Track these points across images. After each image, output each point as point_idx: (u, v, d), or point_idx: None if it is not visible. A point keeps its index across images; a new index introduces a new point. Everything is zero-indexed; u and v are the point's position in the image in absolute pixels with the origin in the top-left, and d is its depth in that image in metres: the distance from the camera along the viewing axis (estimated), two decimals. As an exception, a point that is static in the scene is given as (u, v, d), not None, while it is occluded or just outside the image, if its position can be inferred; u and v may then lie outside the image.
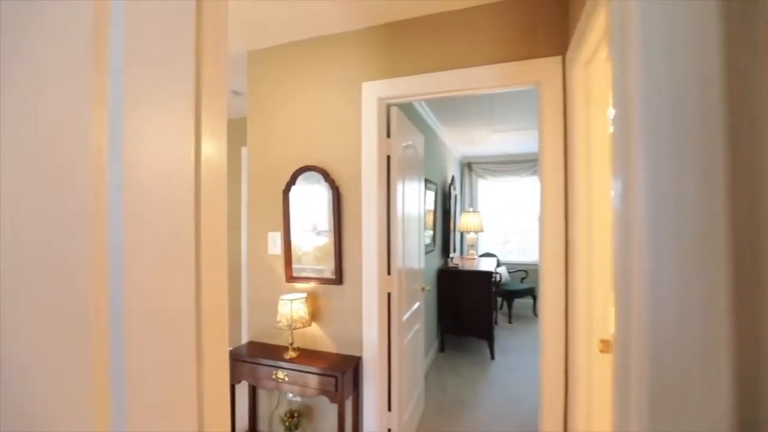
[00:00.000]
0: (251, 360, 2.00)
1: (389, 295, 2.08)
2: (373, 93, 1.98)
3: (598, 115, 1.56)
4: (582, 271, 1.55)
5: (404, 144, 2.26)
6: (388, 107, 2.08)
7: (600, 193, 1.54)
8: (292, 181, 2.12)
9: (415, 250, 2.54)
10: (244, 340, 2.75)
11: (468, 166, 6.30)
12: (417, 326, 2.59)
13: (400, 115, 2.17)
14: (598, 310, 1.55)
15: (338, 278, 2.03)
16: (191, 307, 0.55)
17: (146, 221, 0.50)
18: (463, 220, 4.97)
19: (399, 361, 2.11)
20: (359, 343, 2.00)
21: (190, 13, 0.59)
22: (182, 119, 0.55)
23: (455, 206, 5.18)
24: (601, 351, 1.54)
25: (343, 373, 1.82)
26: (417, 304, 2.59)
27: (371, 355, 1.97)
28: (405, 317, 2.26)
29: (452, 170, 5.31)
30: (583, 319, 1.56)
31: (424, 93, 1.93)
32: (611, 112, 0.67)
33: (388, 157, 2.08)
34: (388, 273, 2.07)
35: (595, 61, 1.53)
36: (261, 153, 2.24)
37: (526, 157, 5.96)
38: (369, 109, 1.99)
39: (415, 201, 2.53)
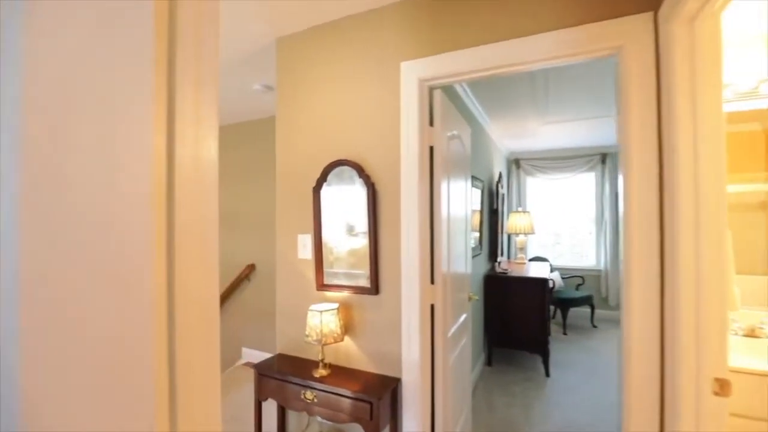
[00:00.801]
0: (278, 377, 1.80)
1: (432, 307, 1.80)
2: (413, 74, 1.72)
3: (709, 90, 1.19)
4: (687, 293, 1.19)
5: (449, 134, 1.98)
6: (431, 90, 1.81)
7: (713, 196, 1.17)
8: (323, 177, 1.90)
9: (461, 255, 2.24)
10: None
11: (515, 163, 5.84)
12: (464, 341, 2.29)
13: (445, 99, 1.89)
14: (710, 341, 1.18)
15: (374, 287, 1.78)
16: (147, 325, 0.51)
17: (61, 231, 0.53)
18: (512, 221, 4.56)
19: (444, 384, 1.82)
20: (398, 362, 1.74)
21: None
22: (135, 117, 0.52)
23: (503, 206, 4.79)
24: (716, 393, 1.18)
25: (379, 399, 1.57)
26: (464, 317, 2.28)
27: (412, 377, 1.71)
28: (450, 332, 1.97)
29: (499, 167, 4.91)
30: (689, 351, 1.19)
31: (473, 71, 1.63)
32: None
33: (431, 149, 1.80)
34: (431, 282, 1.79)
35: (704, 16, 1.17)
36: (290, 148, 2.04)
37: (580, 152, 5.42)
38: (409, 93, 1.72)
39: (461, 198, 2.24)
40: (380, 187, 1.79)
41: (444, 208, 1.86)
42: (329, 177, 1.90)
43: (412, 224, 1.70)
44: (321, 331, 1.70)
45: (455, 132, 2.10)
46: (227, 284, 3.93)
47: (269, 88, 2.85)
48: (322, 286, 1.91)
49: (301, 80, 2.01)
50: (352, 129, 1.86)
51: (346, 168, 1.85)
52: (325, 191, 1.91)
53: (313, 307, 1.77)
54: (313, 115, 1.97)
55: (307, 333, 1.74)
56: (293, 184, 2.02)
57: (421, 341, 1.70)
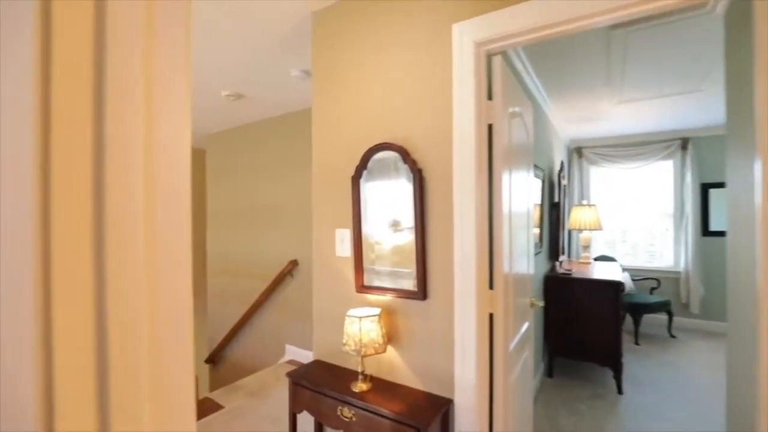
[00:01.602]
0: (314, 388, 1.61)
1: (491, 316, 1.52)
2: (468, 37, 1.43)
3: None
4: None
5: (510, 110, 1.66)
6: (489, 57, 1.51)
7: None
8: (363, 164, 1.67)
9: (523, 254, 1.91)
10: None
11: (577, 152, 5.27)
12: (525, 354, 1.97)
13: (505, 69, 1.58)
14: None
15: (421, 291, 1.53)
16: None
17: None
18: (575, 216, 4.08)
19: (504, 409, 1.53)
20: (450, 380, 1.48)
21: None
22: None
23: (564, 199, 4.30)
24: None
25: (428, 425, 1.32)
26: (526, 326, 1.96)
27: (466, 399, 1.43)
28: (512, 345, 1.67)
29: (560, 155, 4.42)
30: None
31: (540, 27, 1.31)
32: None
33: (489, 127, 1.51)
34: (490, 286, 1.50)
35: None
36: (327, 133, 1.84)
37: (657, 137, 4.75)
38: (463, 61, 1.44)
39: (523, 189, 1.91)
40: (429, 174, 1.52)
41: (506, 198, 1.56)
42: (370, 164, 1.66)
43: (468, 217, 1.42)
44: (360, 340, 1.47)
45: (517, 109, 1.78)
46: (270, 280, 3.87)
47: (308, 73, 2.67)
48: (362, 288, 1.69)
49: (339, 57, 1.80)
50: (395, 108, 1.61)
51: (389, 153, 1.61)
52: (366, 180, 1.68)
53: (351, 312, 1.55)
54: (352, 96, 1.75)
55: (344, 341, 1.53)
56: (330, 172, 1.82)
57: (478, 357, 1.42)
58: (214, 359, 4.61)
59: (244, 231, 4.34)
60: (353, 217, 1.70)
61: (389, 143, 1.59)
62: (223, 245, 4.62)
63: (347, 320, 1.53)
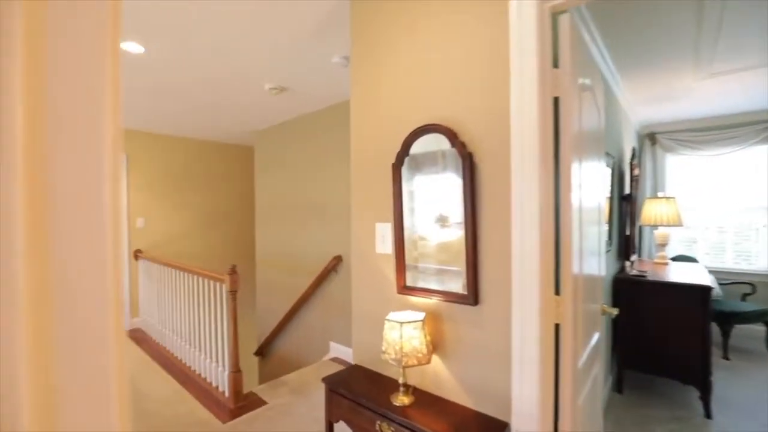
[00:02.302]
0: (351, 397, 1.47)
1: (557, 326, 1.27)
2: (530, -8, 1.19)
3: None
4: None
5: (580, 81, 1.39)
6: (554, 16, 1.26)
7: None
8: (405, 150, 1.49)
9: (593, 254, 1.63)
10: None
11: (650, 138, 4.68)
12: (595, 370, 1.68)
13: (575, 29, 1.32)
14: None
15: (472, 295, 1.32)
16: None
17: None
18: (648, 210, 3.59)
19: (574, 437, 1.28)
20: (505, 399, 1.26)
21: None
22: None
23: (636, 191, 3.81)
24: None
25: (480, 453, 1.12)
26: (596, 337, 1.68)
27: (526, 424, 1.21)
28: (581, 361, 1.41)
29: (630, 142, 3.93)
30: None
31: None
32: None
33: (555, 101, 1.26)
34: (556, 292, 1.26)
35: None
36: (366, 118, 1.68)
37: (752, 117, 4.07)
38: (522, 21, 1.20)
39: (594, 176, 1.62)
40: (481, 158, 1.31)
41: (575, 187, 1.30)
42: (413, 149, 1.48)
43: (529, 209, 1.19)
44: (401, 348, 1.30)
45: (587, 81, 1.50)
46: (315, 276, 3.83)
47: (348, 59, 2.53)
48: (404, 289, 1.51)
49: (379, 33, 1.62)
50: (441, 85, 1.41)
51: (434, 136, 1.41)
52: (408, 168, 1.50)
53: (391, 316, 1.39)
54: (393, 74, 1.57)
55: (383, 349, 1.36)
56: (370, 161, 1.66)
57: (541, 375, 1.19)
58: (262, 352, 4.69)
59: (290, 226, 4.35)
60: (394, 209, 1.53)
61: (434, 124, 1.40)
62: (270, 240, 4.68)
63: (387, 325, 1.36)
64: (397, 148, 1.51)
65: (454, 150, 1.35)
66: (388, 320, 1.36)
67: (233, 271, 2.78)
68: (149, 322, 4.33)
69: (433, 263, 1.44)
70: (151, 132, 4.74)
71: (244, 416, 2.60)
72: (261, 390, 2.99)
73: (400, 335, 1.31)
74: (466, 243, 1.33)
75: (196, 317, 3.33)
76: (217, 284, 2.98)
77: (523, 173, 1.19)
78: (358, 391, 1.47)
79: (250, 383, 5.46)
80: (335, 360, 3.61)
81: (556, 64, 1.26)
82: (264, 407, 2.73)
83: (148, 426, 2.47)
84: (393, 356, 1.33)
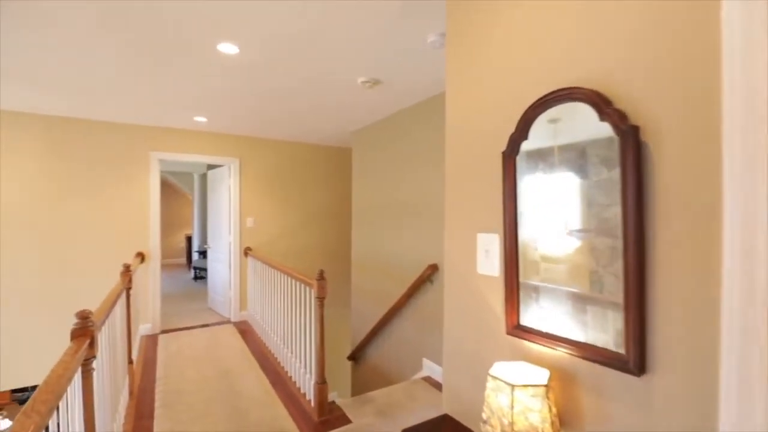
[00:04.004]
0: (438, 468, 1.08)
1: (812, 435, 0.69)
2: None
3: None
4: None
5: None
6: None
7: None
8: (521, 132, 1.05)
9: None
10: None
11: None
12: None
13: None
14: None
15: (635, 356, 0.81)
16: None
17: None
18: None
19: None
20: None
21: None
22: None
23: None
24: None
25: None
26: None
27: None
28: None
29: None
30: None
31: None
32: None
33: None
34: (816, 373, 0.69)
35: None
36: (465, 91, 1.27)
37: None
38: None
39: None
40: (656, 138, 0.80)
41: None
42: (533, 129, 1.03)
43: (754, 222, 0.65)
44: (511, 423, 0.87)
45: None
46: (408, 284, 3.51)
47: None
48: (516, 329, 1.06)
49: (486, -22, 1.21)
50: (578, 29, 0.94)
51: (567, 107, 0.94)
52: (526, 158, 1.05)
53: (497, 368, 0.96)
54: (503, 30, 1.14)
55: (485, 417, 0.95)
56: (470, 150, 1.25)
57: None
58: (355, 357, 4.57)
59: (384, 230, 4.13)
60: (505, 215, 1.10)
61: (569, 89, 0.93)
62: (364, 243, 4.54)
63: (490, 383, 0.94)
64: (510, 129, 1.08)
65: (603, 125, 0.86)
66: (494, 376, 0.94)
67: (321, 277, 2.63)
68: (254, 317, 4.56)
69: (564, 296, 0.97)
70: (260, 137, 5.02)
71: (327, 434, 2.41)
72: (347, 405, 2.78)
73: (511, 403, 0.88)
74: (625, 270, 0.83)
75: (289, 318, 3.31)
76: (307, 288, 2.87)
77: (755, 167, 0.66)
78: (447, 461, 1.08)
79: (343, 386, 5.43)
80: (428, 380, 3.24)
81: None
82: (347, 426, 2.51)
83: (235, 427, 2.45)
84: (497, 427, 0.90)
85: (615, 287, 0.85)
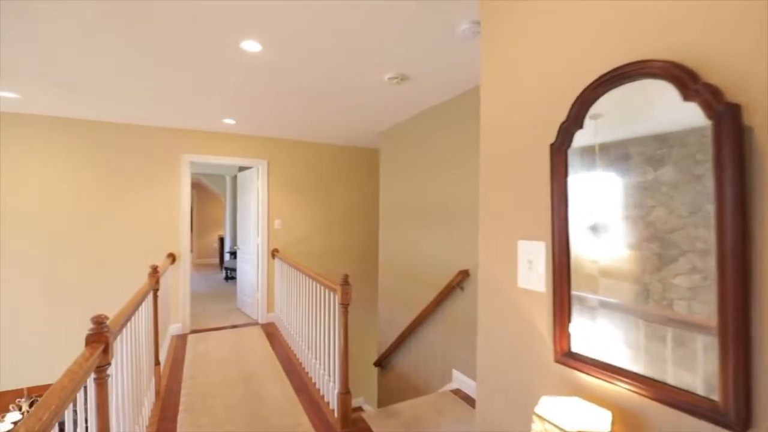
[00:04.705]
0: None
1: None
2: None
3: None
4: None
5: None
6: None
7: None
8: (575, 120, 0.87)
9: None
10: None
11: None
12: None
13: None
14: None
15: (737, 406, 0.62)
16: None
17: None
18: None
19: None
20: None
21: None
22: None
23: None
24: None
25: None
26: None
27: None
28: None
29: None
30: None
31: None
32: None
33: None
34: None
35: None
36: (503, 79, 1.11)
37: None
38: None
39: None
40: (763, 119, 0.61)
41: None
42: (590, 115, 0.85)
43: None
44: (566, 479, 0.70)
45: None
46: (437, 290, 3.34)
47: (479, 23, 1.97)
48: (567, 357, 0.89)
49: (529, -56, 1.04)
50: (656, -10, 0.75)
51: (636, 87, 0.76)
52: (580, 150, 0.87)
53: (545, 407, 0.79)
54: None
55: (530, 466, 0.78)
56: (509, 143, 1.08)
57: None
58: (381, 363, 4.43)
59: (412, 232, 3.97)
60: (554, 220, 0.92)
61: (640, 63, 0.75)
62: (392, 246, 4.40)
63: (537, 425, 0.77)
64: (560, 116, 0.90)
65: (691, 104, 0.68)
66: (542, 417, 0.77)
67: (345, 282, 2.51)
68: (280, 319, 4.53)
69: (631, 319, 0.78)
70: (288, 138, 5.00)
71: (349, 449, 2.29)
72: (371, 417, 2.65)
73: (565, 453, 0.70)
74: (721, 289, 0.64)
75: (314, 322, 3.23)
76: (332, 293, 2.77)
77: None
78: None
79: (369, 392, 5.30)
80: (457, 393, 3.05)
81: None
82: (371, 441, 2.37)
83: (257, 436, 2.38)
84: (548, 483, 0.73)
85: (706, 310, 0.67)
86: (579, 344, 0.87)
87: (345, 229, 5.51)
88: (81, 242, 3.99)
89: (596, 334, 0.84)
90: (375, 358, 4.65)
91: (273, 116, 3.93)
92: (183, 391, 2.94)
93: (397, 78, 2.79)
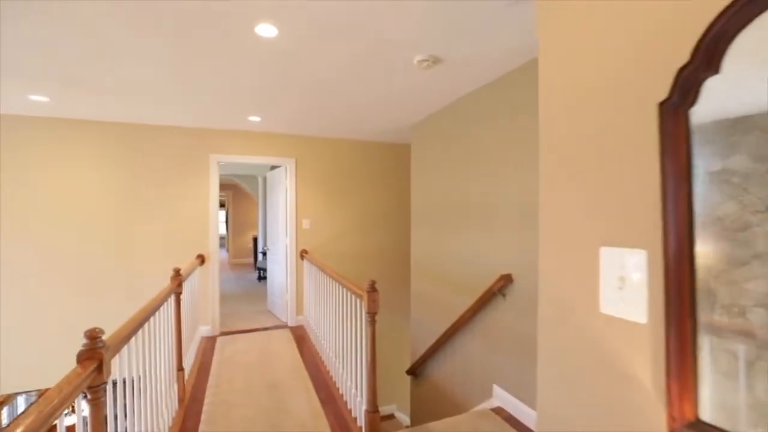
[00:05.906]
0: None
1: None
2: None
3: None
4: None
5: None
6: None
7: None
8: (708, 60, 0.56)
9: None
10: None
11: None
12: None
13: None
14: None
15: None
16: None
17: None
18: None
19: None
20: None
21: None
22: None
23: None
24: None
25: None
26: None
27: None
28: None
29: None
30: None
31: None
32: None
33: None
34: None
35: None
36: (573, 24, 0.80)
37: None
38: None
39: None
40: None
41: None
42: (734, 51, 0.54)
43: None
44: None
45: None
46: (476, 296, 3.02)
47: (530, -18, 1.65)
48: (693, 428, 0.58)
49: None
50: None
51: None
52: (713, 107, 0.56)
53: None
54: None
55: None
56: (584, 111, 0.77)
57: None
58: (415, 372, 4.16)
59: (447, 232, 3.66)
60: (666, 217, 0.61)
61: None
62: (425, 247, 4.11)
63: None
64: (677, 59, 0.59)
65: None
66: None
67: (372, 288, 2.26)
68: (309, 323, 4.37)
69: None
70: (315, 135, 4.83)
71: (378, 477, 2.04)
72: (403, 438, 2.38)
73: None
74: None
75: (341, 330, 3.01)
76: (357, 299, 2.53)
77: None
78: None
79: (403, 399, 5.04)
80: (499, 413, 2.72)
81: None
82: (403, 468, 2.11)
83: (278, 456, 2.18)
84: None
85: None
86: (711, 409, 0.56)
87: (375, 229, 5.27)
88: (112, 245, 4.01)
89: (746, 397, 0.53)
90: (408, 363, 4.38)
91: (298, 112, 3.76)
92: (206, 400, 2.82)
93: (428, 60, 2.50)
